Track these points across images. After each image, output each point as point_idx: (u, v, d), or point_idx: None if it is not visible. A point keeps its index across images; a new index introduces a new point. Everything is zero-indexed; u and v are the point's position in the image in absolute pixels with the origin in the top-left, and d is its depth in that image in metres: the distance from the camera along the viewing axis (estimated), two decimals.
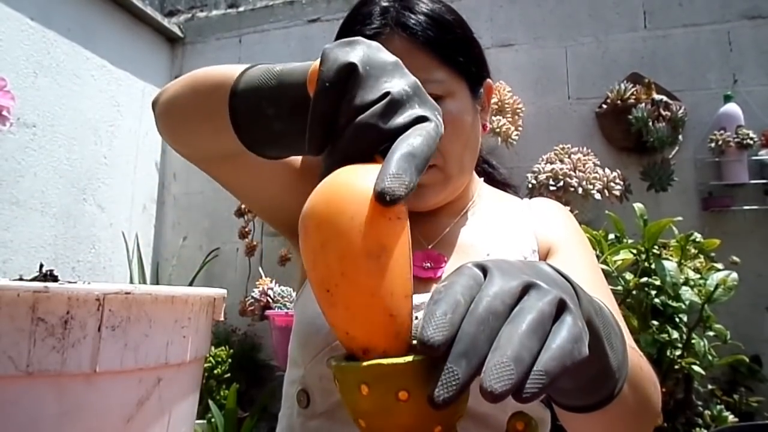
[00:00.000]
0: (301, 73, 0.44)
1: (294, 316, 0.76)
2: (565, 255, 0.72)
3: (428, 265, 0.72)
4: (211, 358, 2.25)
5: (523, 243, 0.74)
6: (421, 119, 0.37)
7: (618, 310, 0.69)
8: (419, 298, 0.66)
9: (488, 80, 0.78)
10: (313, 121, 0.38)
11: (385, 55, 0.40)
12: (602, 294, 0.68)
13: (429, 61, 0.68)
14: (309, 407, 0.69)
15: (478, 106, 0.76)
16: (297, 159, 0.73)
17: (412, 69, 0.66)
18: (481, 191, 0.83)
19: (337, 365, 0.32)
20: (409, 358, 0.30)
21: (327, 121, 0.38)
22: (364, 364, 0.31)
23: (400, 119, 0.36)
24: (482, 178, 0.86)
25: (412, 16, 0.68)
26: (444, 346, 0.27)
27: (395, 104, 0.37)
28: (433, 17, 0.69)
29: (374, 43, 0.41)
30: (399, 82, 0.38)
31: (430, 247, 0.75)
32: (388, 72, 0.39)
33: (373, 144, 0.36)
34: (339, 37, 0.72)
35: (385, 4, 0.70)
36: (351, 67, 0.38)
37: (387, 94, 0.37)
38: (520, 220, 0.78)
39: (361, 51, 0.39)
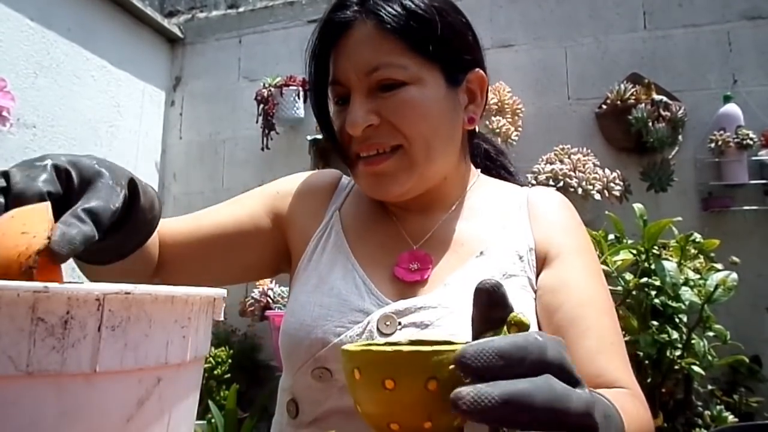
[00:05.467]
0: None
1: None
2: (565, 267, 0.69)
3: (415, 266, 0.69)
4: (211, 359, 2.25)
5: (520, 240, 0.71)
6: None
7: (617, 325, 0.67)
8: (405, 303, 0.65)
9: (478, 71, 0.73)
10: None
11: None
12: (601, 312, 0.66)
13: (394, 47, 0.67)
14: (298, 417, 0.67)
15: (462, 95, 0.72)
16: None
17: (377, 53, 0.67)
18: (477, 183, 0.79)
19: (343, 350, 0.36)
20: (398, 348, 0.33)
21: None
22: (356, 348, 0.34)
23: None
24: (479, 170, 0.83)
25: (387, 6, 0.68)
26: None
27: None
28: (408, 8, 0.68)
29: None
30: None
31: (416, 247, 0.71)
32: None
33: None
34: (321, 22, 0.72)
35: None
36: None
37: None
38: (517, 214, 0.74)
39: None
